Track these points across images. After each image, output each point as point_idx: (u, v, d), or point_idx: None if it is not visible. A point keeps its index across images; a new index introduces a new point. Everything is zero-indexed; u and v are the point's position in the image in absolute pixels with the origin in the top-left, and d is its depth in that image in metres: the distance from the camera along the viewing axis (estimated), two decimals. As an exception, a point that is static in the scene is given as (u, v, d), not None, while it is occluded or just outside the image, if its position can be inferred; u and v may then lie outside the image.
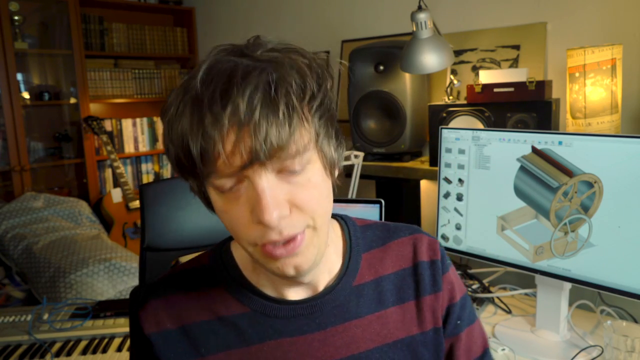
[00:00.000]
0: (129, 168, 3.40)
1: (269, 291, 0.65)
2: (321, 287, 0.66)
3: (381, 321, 0.66)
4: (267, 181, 0.53)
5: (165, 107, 0.56)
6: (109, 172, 3.28)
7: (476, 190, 1.28)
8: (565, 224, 1.12)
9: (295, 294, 0.65)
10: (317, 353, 0.64)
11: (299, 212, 0.55)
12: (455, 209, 1.33)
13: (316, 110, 0.56)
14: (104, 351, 1.32)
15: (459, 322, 0.70)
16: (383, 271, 0.68)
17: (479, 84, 1.71)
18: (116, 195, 3.04)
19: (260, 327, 0.64)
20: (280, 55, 0.55)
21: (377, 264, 0.69)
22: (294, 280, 0.61)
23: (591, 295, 1.35)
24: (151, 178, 3.52)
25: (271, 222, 0.52)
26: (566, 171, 1.11)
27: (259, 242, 0.55)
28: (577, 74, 1.52)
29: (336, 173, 0.62)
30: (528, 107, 1.62)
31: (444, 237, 1.36)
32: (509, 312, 1.36)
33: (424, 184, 2.23)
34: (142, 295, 0.67)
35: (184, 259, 1.02)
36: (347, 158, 1.73)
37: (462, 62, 2.06)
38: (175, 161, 0.56)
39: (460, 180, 1.31)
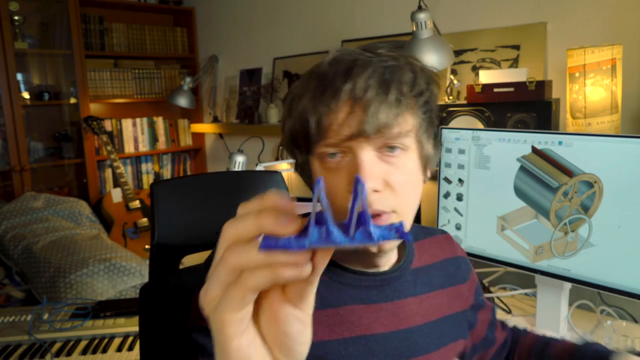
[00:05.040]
0: (129, 168, 3.40)
1: (344, 264, 0.71)
2: (385, 266, 0.72)
3: (430, 301, 0.76)
4: (368, 155, 0.60)
5: (289, 91, 0.66)
6: (109, 172, 3.28)
7: (476, 190, 1.28)
8: (565, 224, 1.12)
9: (364, 268, 0.72)
10: (385, 321, 0.71)
11: (390, 191, 0.62)
12: (455, 209, 1.33)
13: (422, 105, 0.64)
14: (104, 351, 1.32)
15: (480, 298, 0.86)
16: (430, 260, 0.80)
17: (479, 84, 1.71)
18: (116, 195, 3.04)
19: (337, 293, 0.69)
20: (398, 55, 0.65)
21: (424, 253, 0.80)
22: (373, 257, 0.68)
23: (591, 295, 1.35)
24: (151, 178, 3.52)
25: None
26: (566, 171, 1.11)
27: None
28: (577, 74, 1.52)
29: (428, 173, 0.69)
30: (528, 107, 1.62)
31: (444, 237, 1.36)
32: (509, 312, 1.36)
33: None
34: None
35: (190, 257, 1.04)
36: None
37: (462, 62, 2.06)
38: (290, 135, 0.65)
39: (460, 180, 1.31)
